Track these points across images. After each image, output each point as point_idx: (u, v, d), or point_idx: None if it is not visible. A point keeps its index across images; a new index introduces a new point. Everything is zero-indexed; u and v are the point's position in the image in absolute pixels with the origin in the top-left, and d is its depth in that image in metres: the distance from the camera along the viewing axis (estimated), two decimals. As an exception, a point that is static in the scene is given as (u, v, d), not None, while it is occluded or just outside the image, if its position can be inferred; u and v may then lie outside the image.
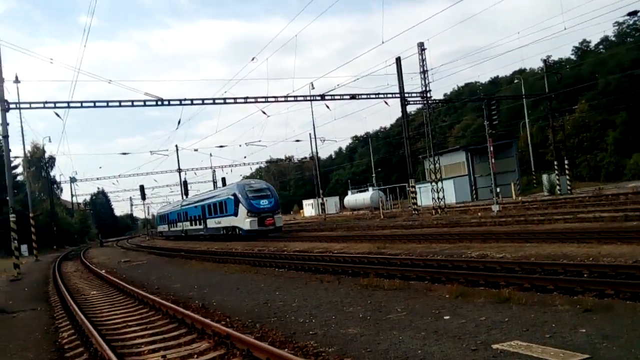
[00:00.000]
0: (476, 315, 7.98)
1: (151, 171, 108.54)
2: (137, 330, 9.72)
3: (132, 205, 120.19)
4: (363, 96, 39.72)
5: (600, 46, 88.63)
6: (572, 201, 35.38)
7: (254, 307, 10.79)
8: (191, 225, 52.39)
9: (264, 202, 37.94)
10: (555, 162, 47.96)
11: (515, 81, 72.87)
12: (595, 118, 63.83)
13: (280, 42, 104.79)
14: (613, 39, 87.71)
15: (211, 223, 45.51)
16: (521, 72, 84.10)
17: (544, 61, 53.59)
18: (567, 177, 46.85)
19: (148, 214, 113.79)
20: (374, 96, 40.46)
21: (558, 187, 46.76)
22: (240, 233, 38.64)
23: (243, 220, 37.97)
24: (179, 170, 75.60)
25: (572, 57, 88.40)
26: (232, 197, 39.59)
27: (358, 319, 8.62)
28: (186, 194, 70.87)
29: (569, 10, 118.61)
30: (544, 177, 50.88)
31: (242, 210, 38.08)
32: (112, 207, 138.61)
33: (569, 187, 46.32)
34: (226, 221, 41.20)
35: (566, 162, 46.93)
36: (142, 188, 75.62)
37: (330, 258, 19.45)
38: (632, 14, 33.63)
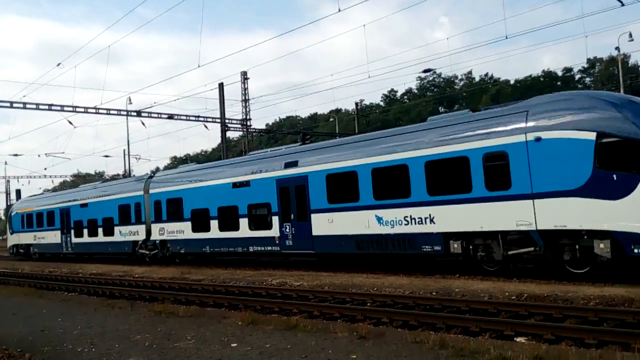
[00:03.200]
0: (262, 342, 8.15)
1: None
2: None
3: None
4: (182, 117, 38.99)
5: (405, 96, 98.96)
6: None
7: (27, 335, 9.73)
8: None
9: None
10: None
11: (331, 119, 77.57)
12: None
13: (94, 50, 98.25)
14: (415, 91, 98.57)
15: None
16: (337, 111, 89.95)
17: (356, 104, 57.96)
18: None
19: None
20: (193, 118, 39.93)
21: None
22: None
23: None
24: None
25: (382, 103, 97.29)
26: None
27: (143, 348, 8.25)
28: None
29: (378, 60, 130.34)
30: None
31: None
32: None
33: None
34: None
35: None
36: None
37: (129, 282, 18.48)
38: (427, 71, 38.19)
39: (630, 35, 37.08)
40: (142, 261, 25.49)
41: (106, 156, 74.51)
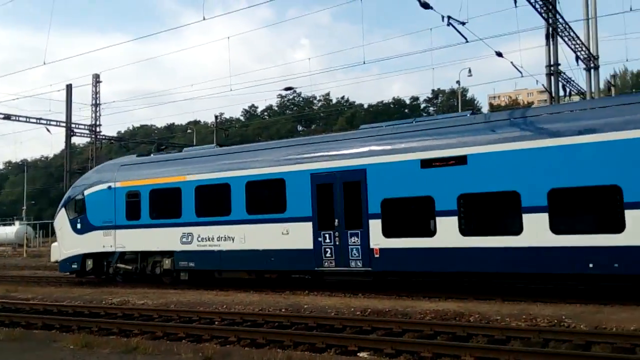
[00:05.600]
0: (95, 367, 7.46)
1: None
2: None
3: None
4: (21, 118, 35.41)
5: (265, 113, 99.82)
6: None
7: None
8: None
9: None
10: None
11: (189, 131, 75.56)
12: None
13: None
14: (276, 108, 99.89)
15: None
16: (195, 122, 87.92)
17: (216, 117, 57.11)
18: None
19: None
20: (34, 120, 36.44)
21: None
22: None
23: None
24: None
25: (242, 117, 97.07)
26: None
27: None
28: None
29: (240, 74, 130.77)
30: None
31: None
32: None
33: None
34: None
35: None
36: None
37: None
38: (288, 89, 38.77)
39: (470, 71, 41.07)
40: None
41: None
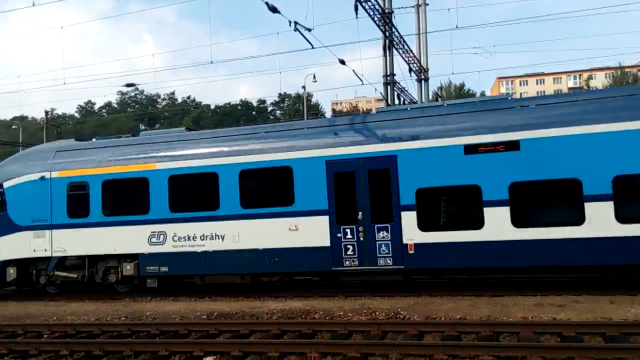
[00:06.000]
0: None
1: None
2: None
3: None
4: None
5: (104, 110, 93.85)
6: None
7: None
8: None
9: None
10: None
11: (14, 127, 68.43)
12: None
13: None
14: (116, 105, 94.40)
15: None
16: (22, 118, 79.88)
17: (46, 112, 52.38)
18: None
19: None
20: None
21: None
22: None
23: None
24: None
25: (77, 114, 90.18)
26: None
27: None
28: None
29: (75, 67, 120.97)
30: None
31: None
32: None
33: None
34: None
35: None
36: None
37: None
38: (129, 85, 36.80)
39: (314, 76, 42.58)
40: None
41: None
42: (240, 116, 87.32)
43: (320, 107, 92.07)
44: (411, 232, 12.31)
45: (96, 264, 14.62)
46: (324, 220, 12.83)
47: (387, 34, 21.25)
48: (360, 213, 12.72)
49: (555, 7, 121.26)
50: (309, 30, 15.41)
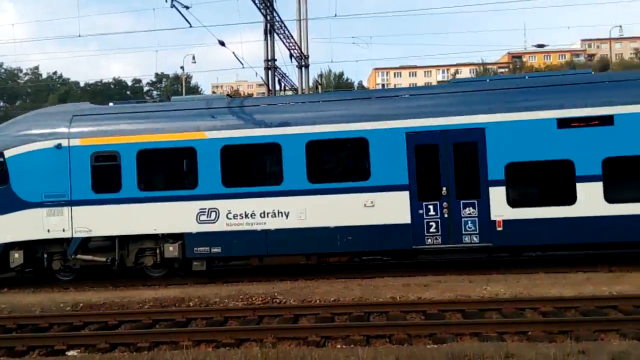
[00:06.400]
0: None
1: None
2: None
3: None
4: None
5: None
6: None
7: None
8: None
9: None
10: None
11: None
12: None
13: None
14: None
15: None
16: None
17: None
18: None
19: None
20: None
21: None
22: None
23: None
24: None
25: None
26: None
27: None
28: None
29: None
30: None
31: None
32: None
33: None
34: None
35: None
36: None
37: None
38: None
39: (194, 57, 41.38)
40: None
41: None
42: (114, 95, 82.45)
43: (199, 89, 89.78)
44: (500, 208, 11.97)
45: (127, 246, 12.85)
46: (404, 195, 12.17)
47: (269, 17, 21.16)
48: (444, 188, 12.20)
49: (427, 2, 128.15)
50: (187, 8, 14.89)
